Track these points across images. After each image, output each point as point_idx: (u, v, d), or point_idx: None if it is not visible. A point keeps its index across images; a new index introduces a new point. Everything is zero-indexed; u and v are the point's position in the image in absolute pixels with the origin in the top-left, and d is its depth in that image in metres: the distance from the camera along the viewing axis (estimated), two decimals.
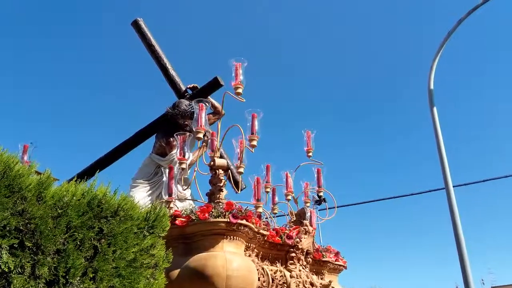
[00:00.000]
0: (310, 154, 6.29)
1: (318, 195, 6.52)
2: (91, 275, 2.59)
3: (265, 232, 4.80)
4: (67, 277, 2.48)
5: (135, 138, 6.98)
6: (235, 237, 4.43)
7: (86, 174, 7.02)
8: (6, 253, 2.30)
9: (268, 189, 5.76)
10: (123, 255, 2.78)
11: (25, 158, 6.17)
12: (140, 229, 3.04)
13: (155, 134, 6.90)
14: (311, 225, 5.86)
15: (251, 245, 4.70)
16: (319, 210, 7.00)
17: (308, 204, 6.48)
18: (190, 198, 6.54)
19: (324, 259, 5.90)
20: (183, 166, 5.20)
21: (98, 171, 7.02)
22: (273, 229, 5.12)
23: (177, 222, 4.48)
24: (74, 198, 2.69)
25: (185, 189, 6.77)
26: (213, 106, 7.09)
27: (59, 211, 2.58)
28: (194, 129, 5.00)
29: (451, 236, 8.02)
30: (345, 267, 6.40)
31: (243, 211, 4.49)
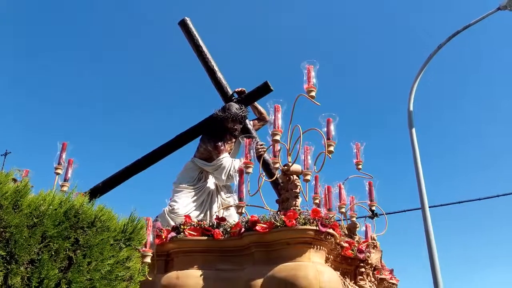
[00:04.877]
0: (360, 166, 6.07)
1: (370, 209, 6.27)
2: (64, 287, 2.59)
3: (344, 244, 4.53)
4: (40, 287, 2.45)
5: (177, 141, 6.61)
6: (321, 247, 4.14)
7: (122, 176, 6.64)
8: None
9: (316, 201, 5.52)
10: (98, 267, 2.77)
11: (64, 156, 5.76)
12: (117, 241, 3.00)
13: (199, 137, 6.55)
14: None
15: (331, 256, 4.41)
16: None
17: (354, 218, 6.24)
18: (233, 205, 6.21)
19: (381, 276, 5.63)
20: (249, 170, 4.90)
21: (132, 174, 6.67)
22: (345, 242, 4.84)
23: (257, 228, 4.17)
24: (51, 207, 2.67)
25: (228, 197, 6.45)
26: (258, 112, 6.83)
27: (35, 220, 2.57)
28: (270, 132, 4.70)
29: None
30: (396, 286, 6.14)
31: (329, 219, 4.21)
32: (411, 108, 8.48)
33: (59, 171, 5.60)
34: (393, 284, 5.98)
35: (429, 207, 8.14)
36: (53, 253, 2.57)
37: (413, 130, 8.34)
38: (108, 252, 2.85)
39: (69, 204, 2.78)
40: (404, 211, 12.49)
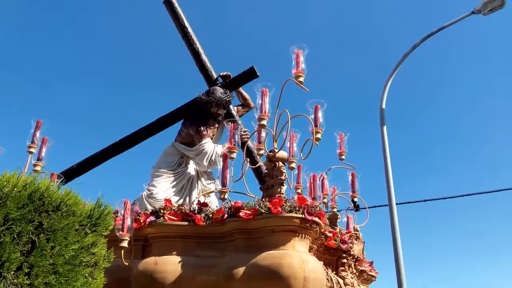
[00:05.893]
0: (343, 157, 5.99)
1: (352, 201, 6.21)
2: (26, 270, 2.53)
3: (329, 234, 4.43)
4: (0, 270, 2.41)
5: (158, 124, 6.40)
6: (305, 236, 4.03)
7: (98, 159, 6.40)
8: None
9: (299, 190, 5.42)
10: (62, 252, 2.73)
11: (37, 134, 5.49)
12: (82, 226, 2.96)
13: (181, 121, 6.35)
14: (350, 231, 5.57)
15: (314, 246, 4.31)
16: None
17: (335, 209, 6.17)
18: (216, 190, 6.04)
19: (361, 268, 5.58)
20: (233, 156, 4.74)
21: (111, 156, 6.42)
22: (330, 232, 4.75)
23: (241, 214, 4.03)
24: (15, 189, 2.62)
25: (209, 184, 6.29)
26: (243, 97, 6.67)
27: None
28: (257, 116, 4.54)
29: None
30: (375, 278, 6.11)
31: (315, 207, 4.10)
32: (384, 106, 8.53)
33: (32, 150, 5.33)
34: (372, 276, 5.95)
35: (397, 204, 8.22)
36: (15, 236, 2.50)
37: (385, 128, 8.40)
38: (72, 237, 2.79)
39: (34, 187, 2.70)
40: (374, 206, 12.65)
